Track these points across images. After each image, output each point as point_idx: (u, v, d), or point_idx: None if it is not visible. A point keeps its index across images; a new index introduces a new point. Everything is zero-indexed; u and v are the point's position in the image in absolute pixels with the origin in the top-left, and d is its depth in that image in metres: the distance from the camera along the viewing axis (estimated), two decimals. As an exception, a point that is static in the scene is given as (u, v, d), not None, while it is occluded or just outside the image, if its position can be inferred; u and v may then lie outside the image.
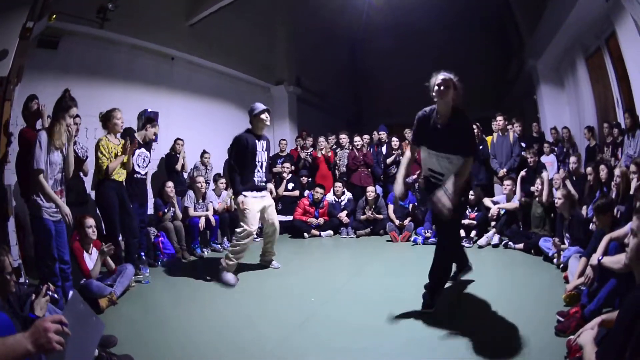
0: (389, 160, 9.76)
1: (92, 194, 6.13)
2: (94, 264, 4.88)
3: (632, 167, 5.37)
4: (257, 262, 6.36)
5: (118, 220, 5.62)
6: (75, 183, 5.52)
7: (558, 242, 5.63)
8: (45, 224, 4.24)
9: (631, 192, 5.48)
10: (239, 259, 5.76)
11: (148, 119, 6.84)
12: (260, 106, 5.88)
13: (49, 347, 1.73)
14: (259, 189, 5.90)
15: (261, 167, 5.91)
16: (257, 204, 5.81)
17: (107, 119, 5.62)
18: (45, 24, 6.13)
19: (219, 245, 7.75)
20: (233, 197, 5.95)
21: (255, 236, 6.30)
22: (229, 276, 5.60)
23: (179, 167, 8.24)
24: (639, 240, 2.27)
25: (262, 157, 5.91)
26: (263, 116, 5.85)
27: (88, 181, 6.31)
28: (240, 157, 5.73)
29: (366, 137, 10.34)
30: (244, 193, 5.65)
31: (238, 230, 5.73)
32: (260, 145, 5.88)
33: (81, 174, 6.41)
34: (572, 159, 7.61)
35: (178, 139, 8.44)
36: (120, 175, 5.68)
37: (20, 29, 5.19)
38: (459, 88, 4.01)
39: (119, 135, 5.78)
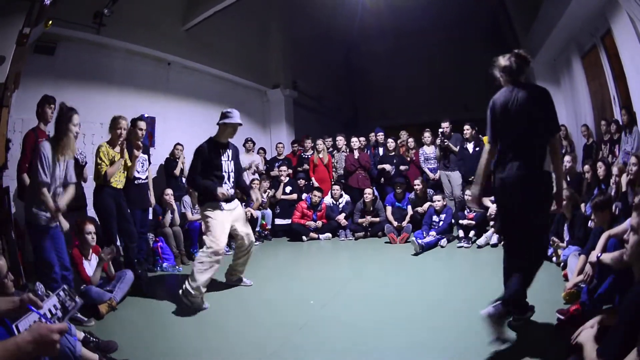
0: (388, 167, 9.75)
1: (90, 198, 6.13)
2: (94, 271, 4.87)
3: (633, 160, 5.36)
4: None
5: (115, 226, 5.61)
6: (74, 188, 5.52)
7: (556, 240, 5.64)
8: (42, 230, 4.20)
9: (623, 188, 5.51)
10: (205, 285, 4.94)
11: (132, 120, 6.65)
12: (236, 117, 5.29)
13: (53, 355, 1.75)
14: (228, 200, 5.29)
15: (228, 179, 5.35)
16: (226, 217, 5.24)
17: (112, 126, 5.61)
18: (42, 30, 6.12)
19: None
20: (200, 209, 5.32)
21: (227, 248, 6.19)
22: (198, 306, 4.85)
23: (177, 171, 8.24)
24: (639, 237, 2.26)
25: (228, 167, 5.36)
26: (234, 130, 5.36)
27: (87, 187, 6.31)
28: (204, 169, 5.19)
29: (362, 138, 10.34)
30: (209, 207, 5.12)
31: (203, 249, 5.04)
32: (225, 155, 5.35)
33: (81, 180, 6.38)
34: (567, 157, 7.60)
35: (178, 144, 8.45)
36: (118, 183, 5.66)
37: (17, 35, 5.19)
38: None
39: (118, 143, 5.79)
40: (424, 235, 7.65)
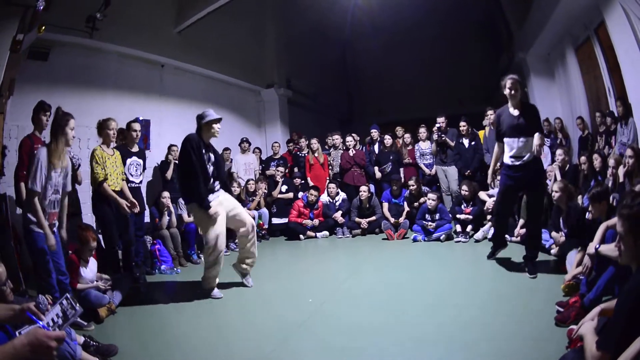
0: (387, 168, 9.71)
1: (85, 203, 6.12)
2: (94, 275, 4.88)
3: (629, 152, 5.37)
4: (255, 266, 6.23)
5: (116, 232, 5.62)
6: (69, 193, 5.50)
7: (558, 234, 5.64)
8: (38, 237, 4.11)
9: (620, 179, 5.51)
10: (216, 277, 5.29)
11: (127, 124, 6.66)
12: (212, 114, 5.22)
13: None
14: (212, 190, 5.28)
15: (211, 178, 5.27)
16: (221, 209, 5.21)
17: (101, 128, 5.63)
18: (35, 35, 6.09)
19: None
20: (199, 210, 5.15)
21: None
22: (215, 292, 5.23)
23: (169, 175, 8.15)
24: (627, 244, 2.21)
25: (209, 170, 5.24)
26: (216, 126, 5.23)
27: (81, 190, 6.31)
28: (194, 161, 5.03)
29: (355, 134, 10.31)
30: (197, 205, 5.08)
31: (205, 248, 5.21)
32: (206, 157, 5.19)
33: (75, 183, 6.35)
34: (559, 151, 7.59)
35: (172, 145, 8.38)
36: (116, 186, 5.66)
37: (10, 42, 5.17)
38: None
39: (112, 145, 5.78)
40: (428, 225, 7.68)
